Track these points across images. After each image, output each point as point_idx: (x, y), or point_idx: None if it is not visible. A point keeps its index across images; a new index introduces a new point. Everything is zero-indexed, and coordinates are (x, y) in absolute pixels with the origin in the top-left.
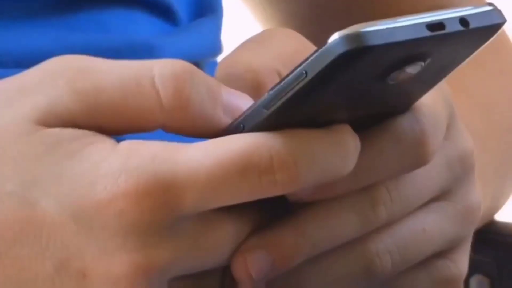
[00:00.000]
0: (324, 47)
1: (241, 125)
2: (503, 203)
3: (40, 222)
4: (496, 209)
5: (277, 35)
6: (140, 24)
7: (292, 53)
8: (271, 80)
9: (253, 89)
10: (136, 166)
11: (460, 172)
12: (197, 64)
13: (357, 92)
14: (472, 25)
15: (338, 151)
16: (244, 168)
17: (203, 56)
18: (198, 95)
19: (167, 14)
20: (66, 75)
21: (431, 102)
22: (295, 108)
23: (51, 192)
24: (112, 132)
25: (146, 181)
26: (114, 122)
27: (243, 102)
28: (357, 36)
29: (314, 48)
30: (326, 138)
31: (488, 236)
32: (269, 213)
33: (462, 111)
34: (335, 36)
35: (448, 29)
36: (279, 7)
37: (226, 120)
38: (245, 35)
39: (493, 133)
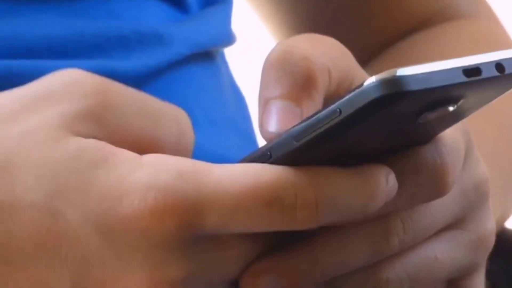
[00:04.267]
0: (360, 89)
1: (269, 153)
2: None
3: (61, 234)
4: (505, 219)
5: (327, 39)
6: (150, 11)
7: (340, 58)
8: (322, 76)
9: (304, 78)
10: (164, 183)
11: (475, 201)
12: (208, 53)
13: (387, 130)
14: (508, 70)
15: (362, 194)
16: (269, 201)
17: (213, 46)
18: None
19: (177, 2)
20: (96, 87)
21: (452, 133)
22: (324, 143)
23: (76, 203)
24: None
25: (174, 200)
26: (131, 142)
27: None
28: (394, 81)
29: (355, 61)
30: (351, 180)
31: (495, 244)
32: (280, 234)
33: (473, 124)
34: (372, 80)
35: (484, 74)
36: (282, 4)
37: None
38: (254, 27)
39: (503, 145)
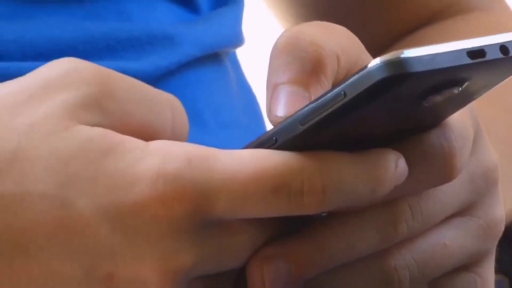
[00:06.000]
0: (364, 71)
1: (274, 138)
2: None
3: (73, 224)
4: None
5: (337, 27)
6: (161, 13)
7: (349, 46)
8: (331, 61)
9: (312, 63)
10: (173, 170)
11: (483, 187)
12: (216, 54)
13: (392, 113)
14: None
15: (370, 179)
16: (277, 186)
17: (223, 47)
18: None
19: (187, 3)
20: (94, 74)
21: (460, 118)
22: (330, 127)
23: (86, 193)
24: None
25: (183, 187)
26: (132, 128)
27: None
28: (399, 62)
29: (365, 50)
30: (359, 164)
31: (507, 234)
32: (287, 220)
33: (485, 115)
34: (376, 61)
35: (489, 56)
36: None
37: None
38: (264, 28)
39: None
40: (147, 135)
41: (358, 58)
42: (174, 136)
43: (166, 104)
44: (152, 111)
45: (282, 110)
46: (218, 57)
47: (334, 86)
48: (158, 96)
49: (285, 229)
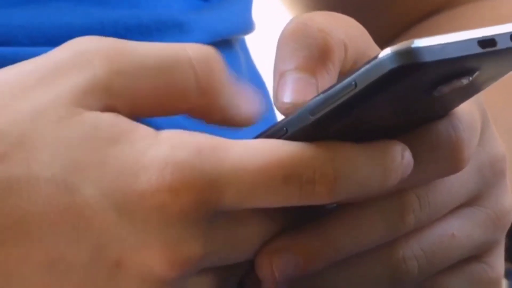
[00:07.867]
0: (375, 61)
1: (285, 128)
2: None
3: (79, 210)
4: None
5: (345, 17)
6: (170, 0)
7: (356, 36)
8: (339, 49)
9: (320, 50)
10: (182, 159)
11: (491, 178)
12: (227, 41)
13: (401, 103)
14: None
15: (379, 169)
16: (288, 176)
17: (233, 33)
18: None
19: None
20: (102, 54)
21: (468, 108)
22: (340, 117)
23: (93, 179)
24: (145, 114)
25: (192, 176)
26: (149, 103)
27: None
28: (409, 52)
29: (372, 41)
30: (368, 155)
31: None
32: (295, 212)
33: (492, 105)
34: (387, 51)
35: (499, 45)
36: None
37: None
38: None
39: None
40: (170, 102)
41: (365, 49)
42: (202, 94)
43: (185, 62)
44: (171, 76)
45: (288, 96)
46: (228, 43)
47: (343, 76)
48: (176, 56)
49: (294, 222)
